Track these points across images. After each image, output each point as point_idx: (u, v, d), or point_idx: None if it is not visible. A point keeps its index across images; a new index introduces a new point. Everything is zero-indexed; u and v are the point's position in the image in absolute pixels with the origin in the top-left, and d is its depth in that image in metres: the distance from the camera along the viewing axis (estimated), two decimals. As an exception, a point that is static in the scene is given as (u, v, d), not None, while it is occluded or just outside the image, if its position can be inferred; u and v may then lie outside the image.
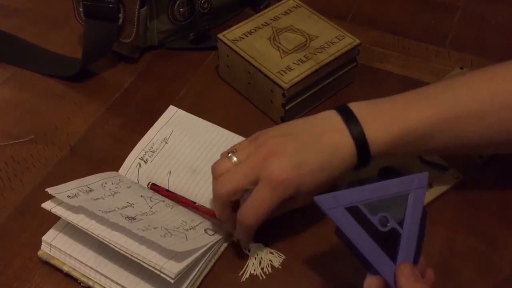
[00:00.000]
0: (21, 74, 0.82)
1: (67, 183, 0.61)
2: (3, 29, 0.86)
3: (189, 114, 0.71)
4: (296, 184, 0.55)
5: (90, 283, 0.58)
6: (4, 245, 0.62)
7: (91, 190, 0.61)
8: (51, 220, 0.60)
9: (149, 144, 0.68)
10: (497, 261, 0.61)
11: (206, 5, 0.82)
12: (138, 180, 0.66)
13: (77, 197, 0.59)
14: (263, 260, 0.61)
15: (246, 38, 0.76)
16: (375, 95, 0.61)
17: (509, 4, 0.93)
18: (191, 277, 0.57)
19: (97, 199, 0.60)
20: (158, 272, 0.54)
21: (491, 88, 0.59)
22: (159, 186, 0.65)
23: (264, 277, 0.60)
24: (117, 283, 0.57)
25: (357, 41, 0.76)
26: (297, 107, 0.74)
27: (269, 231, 0.62)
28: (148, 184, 0.66)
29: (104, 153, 0.71)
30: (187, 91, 0.79)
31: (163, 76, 0.82)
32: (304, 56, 0.74)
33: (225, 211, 0.59)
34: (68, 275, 0.59)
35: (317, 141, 0.57)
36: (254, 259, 0.61)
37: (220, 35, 0.77)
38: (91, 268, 0.57)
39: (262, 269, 0.60)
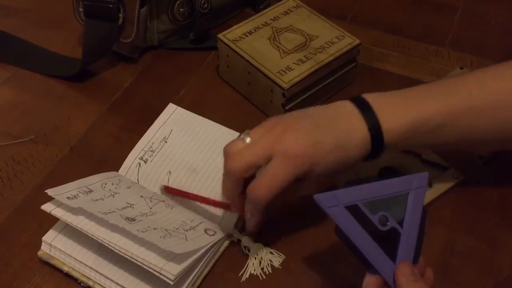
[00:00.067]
0: (21, 74, 0.82)
1: (67, 184, 0.61)
2: (3, 29, 0.86)
3: (188, 111, 0.71)
4: (311, 162, 0.54)
5: (90, 283, 0.58)
6: (4, 245, 0.62)
7: (90, 191, 0.61)
8: (51, 220, 0.60)
9: (149, 144, 0.68)
10: (497, 261, 0.61)
11: (206, 5, 0.82)
12: (138, 180, 0.66)
13: (76, 198, 0.59)
14: (263, 260, 0.61)
15: (246, 38, 0.76)
16: (375, 95, 0.61)
17: (509, 4, 0.93)
18: (191, 277, 0.57)
19: (96, 200, 0.60)
20: (158, 274, 0.54)
21: (503, 84, 0.59)
22: (173, 188, 0.64)
23: (264, 277, 0.60)
24: (117, 283, 0.57)
25: (357, 41, 0.76)
26: (297, 107, 0.74)
27: (269, 231, 0.62)
28: (160, 188, 0.65)
29: (104, 153, 0.71)
30: (187, 91, 0.79)
31: (163, 76, 0.82)
32: (304, 56, 0.74)
33: (235, 190, 0.57)
34: (68, 275, 0.59)
35: (332, 124, 0.57)
36: (254, 259, 0.61)
37: (220, 35, 0.77)
38: (91, 268, 0.57)
39: (262, 269, 0.60)
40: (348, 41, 0.76)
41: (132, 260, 0.55)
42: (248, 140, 0.56)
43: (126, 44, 0.81)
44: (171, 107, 0.71)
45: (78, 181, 0.62)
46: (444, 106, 0.58)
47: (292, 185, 0.55)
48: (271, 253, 0.61)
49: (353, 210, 0.50)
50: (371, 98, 0.58)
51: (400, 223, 0.51)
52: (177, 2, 0.81)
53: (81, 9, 0.79)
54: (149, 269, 0.54)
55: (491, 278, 0.60)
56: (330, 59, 0.74)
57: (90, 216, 0.57)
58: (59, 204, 0.58)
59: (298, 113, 0.59)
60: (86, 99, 0.78)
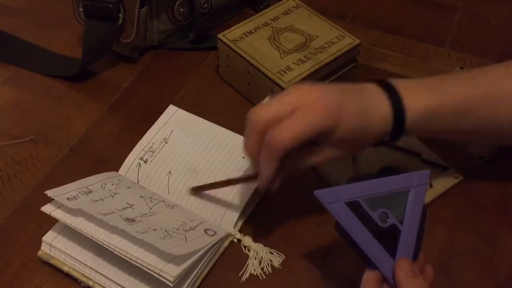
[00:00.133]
0: (21, 74, 0.82)
1: (67, 185, 0.61)
2: (3, 29, 0.86)
3: (189, 113, 0.71)
4: (335, 118, 0.53)
5: (90, 283, 0.58)
6: (4, 245, 0.62)
7: (90, 192, 0.61)
8: (51, 220, 0.60)
9: (149, 144, 0.68)
10: (497, 261, 0.61)
11: (206, 5, 0.82)
12: (138, 180, 0.66)
13: (76, 199, 0.59)
14: (263, 260, 0.61)
15: (246, 38, 0.76)
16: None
17: (509, 4, 0.93)
18: (191, 277, 0.57)
19: (96, 200, 0.60)
20: (157, 276, 0.54)
21: None
22: (202, 185, 0.64)
23: (264, 277, 0.60)
24: (117, 284, 0.57)
25: (357, 41, 0.76)
26: (297, 107, 0.74)
27: (269, 231, 0.62)
28: (187, 191, 0.64)
29: (104, 153, 0.71)
30: (187, 91, 0.79)
31: (163, 76, 0.82)
32: (304, 56, 0.74)
33: (258, 141, 0.55)
34: (68, 275, 0.59)
35: (357, 93, 0.57)
36: (254, 259, 0.61)
37: (220, 35, 0.77)
38: (91, 268, 0.57)
39: (262, 269, 0.60)
40: (348, 41, 0.76)
41: (132, 261, 0.55)
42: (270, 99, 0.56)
43: (126, 44, 0.81)
44: (171, 108, 0.71)
45: (78, 181, 0.62)
46: (468, 90, 0.59)
47: (305, 149, 0.55)
48: (271, 253, 0.61)
49: (354, 206, 0.50)
50: (394, 81, 0.59)
51: (401, 220, 0.51)
52: (177, 2, 0.81)
53: (81, 9, 0.79)
54: (149, 271, 0.54)
55: (491, 278, 0.60)
56: (330, 59, 0.74)
57: (90, 217, 0.57)
58: (59, 206, 0.58)
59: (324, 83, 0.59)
60: (86, 99, 0.78)
